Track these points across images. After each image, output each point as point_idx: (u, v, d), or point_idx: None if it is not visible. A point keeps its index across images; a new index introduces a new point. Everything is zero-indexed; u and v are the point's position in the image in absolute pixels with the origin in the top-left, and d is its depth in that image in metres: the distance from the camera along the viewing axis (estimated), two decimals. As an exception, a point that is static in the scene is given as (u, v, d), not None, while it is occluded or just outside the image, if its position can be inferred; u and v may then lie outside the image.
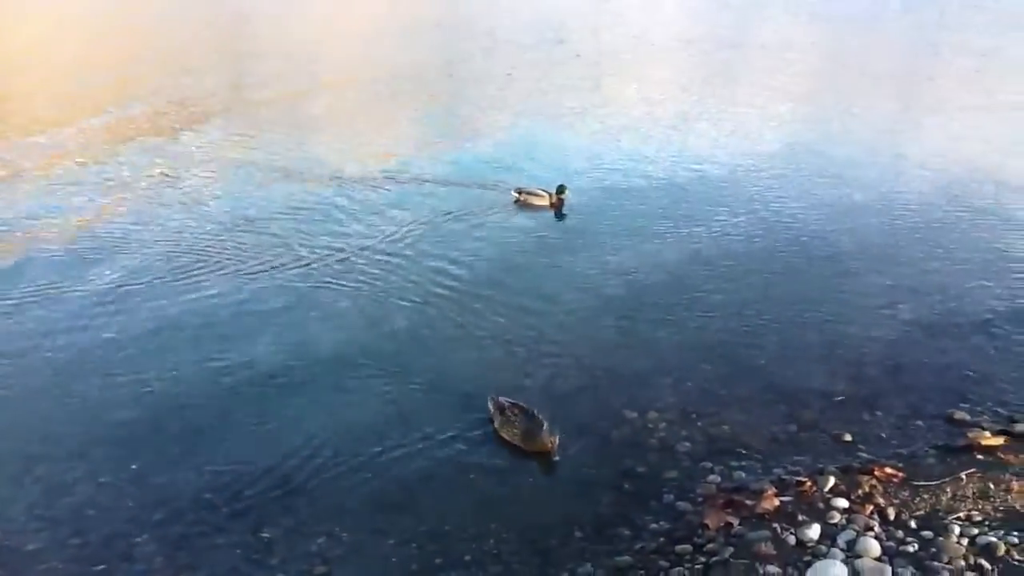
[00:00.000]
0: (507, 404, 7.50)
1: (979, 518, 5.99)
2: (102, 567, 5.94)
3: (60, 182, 14.49)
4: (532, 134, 18.95)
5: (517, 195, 13.91)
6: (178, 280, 10.63)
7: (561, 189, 13.65)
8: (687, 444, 7.37)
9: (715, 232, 12.64)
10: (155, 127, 18.51)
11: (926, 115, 21.52)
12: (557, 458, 7.16)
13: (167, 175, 15.01)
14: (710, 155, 16.94)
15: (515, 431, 7.28)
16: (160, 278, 10.65)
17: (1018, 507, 6.11)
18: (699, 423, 7.68)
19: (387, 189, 14.58)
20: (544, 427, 7.20)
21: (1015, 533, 5.73)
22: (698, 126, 19.59)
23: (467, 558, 6.05)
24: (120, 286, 10.42)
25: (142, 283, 10.52)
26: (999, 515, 6.04)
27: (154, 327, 9.43)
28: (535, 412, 7.34)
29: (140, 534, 6.26)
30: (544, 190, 13.74)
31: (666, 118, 20.47)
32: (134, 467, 7.02)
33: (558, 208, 13.60)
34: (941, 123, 20.49)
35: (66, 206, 13.24)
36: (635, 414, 7.80)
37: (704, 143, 18.02)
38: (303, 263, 11.25)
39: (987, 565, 5.39)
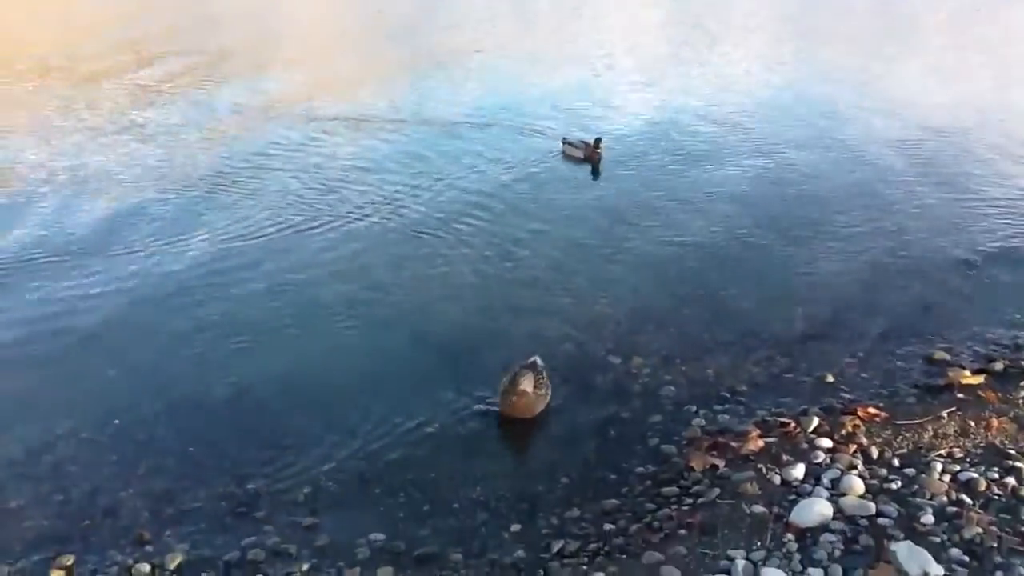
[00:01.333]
0: (518, 367, 6.98)
1: (960, 455, 6.06)
2: (86, 522, 5.88)
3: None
4: (540, 81, 18.86)
5: (562, 144, 13.67)
6: (168, 232, 10.58)
7: (597, 142, 13.23)
8: (671, 389, 7.38)
9: (703, 180, 12.61)
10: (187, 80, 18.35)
11: (908, 57, 21.46)
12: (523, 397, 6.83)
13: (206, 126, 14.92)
14: (707, 104, 16.95)
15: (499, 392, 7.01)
16: (145, 233, 10.54)
17: (998, 443, 6.19)
18: (683, 368, 7.69)
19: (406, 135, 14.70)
20: (516, 391, 6.77)
21: (995, 468, 5.82)
22: (687, 75, 19.58)
23: (455, 505, 6.05)
24: (107, 244, 10.30)
25: (130, 241, 10.41)
26: (979, 451, 6.11)
27: (135, 284, 9.30)
28: (525, 377, 6.78)
29: (124, 489, 6.20)
30: (583, 141, 13.38)
31: (660, 66, 20.43)
32: (116, 422, 6.94)
33: (595, 160, 13.16)
34: (922, 65, 20.46)
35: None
36: (619, 360, 7.80)
37: (699, 92, 18.01)
38: (312, 213, 11.24)
39: (968, 500, 5.47)
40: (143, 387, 7.47)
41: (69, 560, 5.51)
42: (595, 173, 12.99)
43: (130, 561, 5.51)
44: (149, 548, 5.65)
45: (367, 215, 11.17)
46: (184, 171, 12.79)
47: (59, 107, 16.29)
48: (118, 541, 5.73)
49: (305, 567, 5.44)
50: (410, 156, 13.54)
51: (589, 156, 13.20)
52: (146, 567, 5.43)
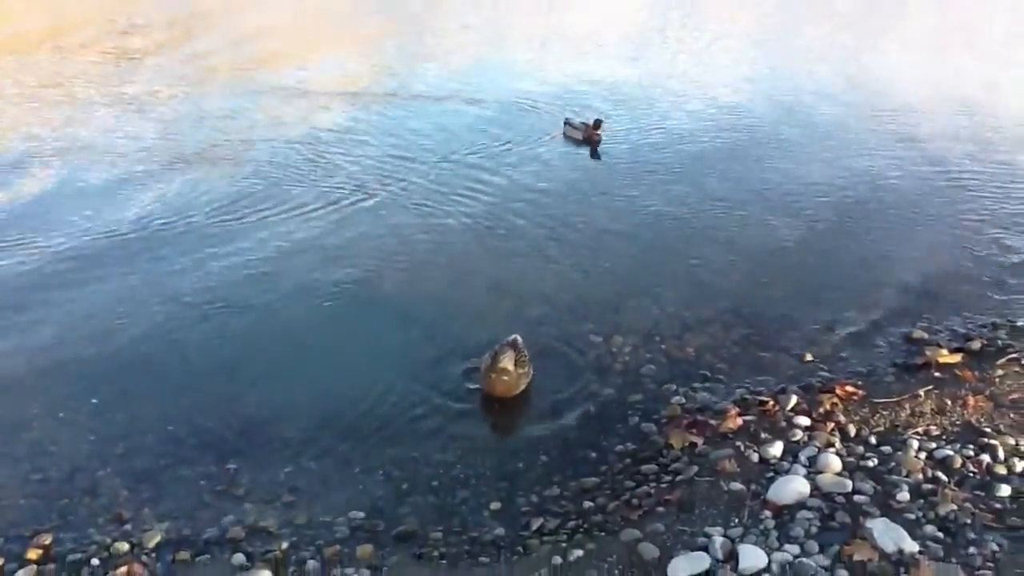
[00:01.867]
0: (498, 346, 6.95)
1: (936, 433, 6.13)
2: (64, 501, 5.85)
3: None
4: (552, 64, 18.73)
5: (564, 125, 13.57)
6: (147, 207, 10.44)
7: (597, 123, 13.10)
8: (651, 367, 7.39)
9: (694, 160, 12.59)
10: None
11: (895, 33, 21.47)
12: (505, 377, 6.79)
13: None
14: (703, 85, 16.88)
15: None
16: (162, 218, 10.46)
17: (973, 421, 6.25)
18: (663, 346, 7.70)
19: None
20: (497, 369, 6.73)
21: (971, 446, 5.88)
22: (680, 56, 19.52)
23: (434, 483, 6.06)
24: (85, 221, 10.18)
25: (97, 214, 10.29)
26: (956, 429, 6.18)
27: (112, 261, 9.21)
28: (506, 355, 6.74)
29: (102, 468, 6.17)
30: (584, 123, 13.27)
31: (652, 44, 20.39)
32: (94, 401, 6.89)
33: (594, 142, 13.02)
34: (906, 42, 20.47)
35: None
36: (600, 339, 7.80)
37: (694, 73, 17.94)
38: (301, 188, 11.20)
39: (944, 477, 5.53)
40: (121, 365, 7.42)
41: (47, 539, 5.48)
42: (594, 154, 12.91)
43: (108, 540, 5.48)
44: (128, 527, 5.62)
45: (356, 190, 11.11)
46: (173, 146, 12.67)
47: (52, 83, 16.05)
48: (96, 520, 5.70)
49: (284, 545, 5.43)
50: (399, 131, 13.46)
51: (588, 137, 13.09)
52: (124, 545, 5.40)
